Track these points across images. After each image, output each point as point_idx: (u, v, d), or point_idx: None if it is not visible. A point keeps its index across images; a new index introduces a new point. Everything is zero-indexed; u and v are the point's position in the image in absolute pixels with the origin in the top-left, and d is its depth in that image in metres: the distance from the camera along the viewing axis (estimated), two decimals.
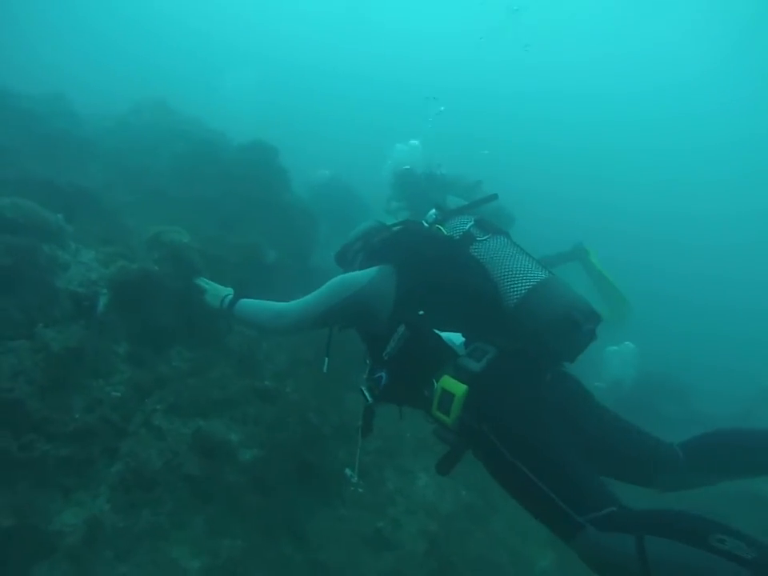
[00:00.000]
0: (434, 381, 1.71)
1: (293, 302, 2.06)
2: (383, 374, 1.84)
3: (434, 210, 2.24)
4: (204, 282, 2.57)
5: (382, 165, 6.14)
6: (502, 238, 1.99)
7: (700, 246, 23.66)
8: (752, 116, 23.70)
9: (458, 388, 1.63)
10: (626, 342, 7.57)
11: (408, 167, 6.44)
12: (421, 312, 1.79)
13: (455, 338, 1.72)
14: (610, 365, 7.38)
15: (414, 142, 6.32)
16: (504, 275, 1.82)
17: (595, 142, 26.17)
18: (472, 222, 2.05)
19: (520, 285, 1.77)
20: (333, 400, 3.70)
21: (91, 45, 23.19)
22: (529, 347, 1.73)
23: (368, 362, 2.01)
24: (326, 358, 2.12)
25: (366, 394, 1.91)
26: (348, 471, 2.25)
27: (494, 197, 2.38)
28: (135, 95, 7.85)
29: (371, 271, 1.99)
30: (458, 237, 2.03)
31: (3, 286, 2.44)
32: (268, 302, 2.16)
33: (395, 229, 2.29)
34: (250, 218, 5.69)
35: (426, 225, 2.22)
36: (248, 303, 2.22)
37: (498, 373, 1.66)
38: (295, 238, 5.78)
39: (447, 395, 1.65)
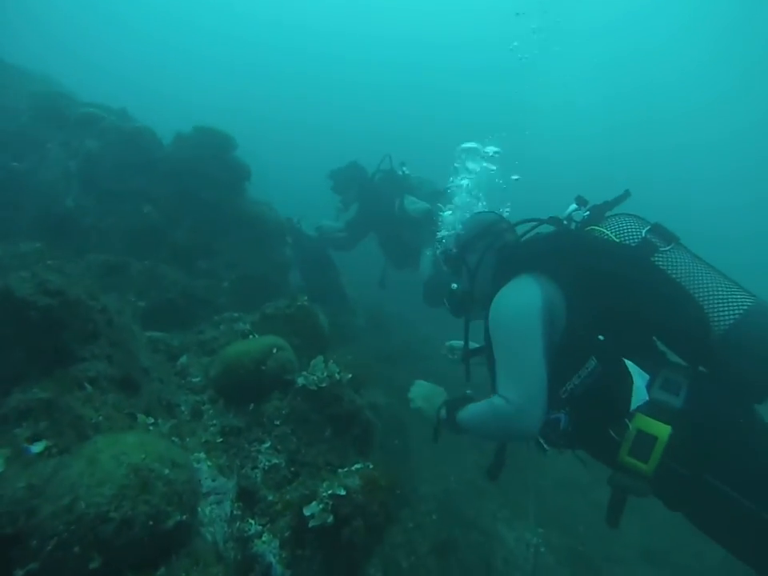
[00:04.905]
0: (627, 421, 1.51)
1: (503, 386, 1.58)
2: (561, 416, 1.59)
3: (575, 206, 1.91)
4: (414, 403, 2.02)
5: None
6: (684, 249, 1.71)
7: None
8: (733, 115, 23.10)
9: (661, 429, 1.46)
10: None
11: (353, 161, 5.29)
12: (601, 337, 1.57)
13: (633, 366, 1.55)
14: None
15: None
16: (705, 296, 1.56)
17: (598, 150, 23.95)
18: (648, 227, 1.74)
19: (727, 310, 1.52)
20: None
21: None
22: (730, 379, 1.53)
23: None
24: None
25: (541, 440, 1.64)
26: None
27: (627, 194, 1.95)
28: None
29: (528, 284, 1.66)
30: (633, 245, 1.72)
31: None
32: (478, 404, 1.72)
33: (546, 231, 1.91)
34: (215, 244, 3.99)
35: (566, 223, 1.91)
36: (467, 413, 1.75)
37: (705, 408, 1.49)
38: (283, 274, 4.25)
39: (645, 438, 1.47)
